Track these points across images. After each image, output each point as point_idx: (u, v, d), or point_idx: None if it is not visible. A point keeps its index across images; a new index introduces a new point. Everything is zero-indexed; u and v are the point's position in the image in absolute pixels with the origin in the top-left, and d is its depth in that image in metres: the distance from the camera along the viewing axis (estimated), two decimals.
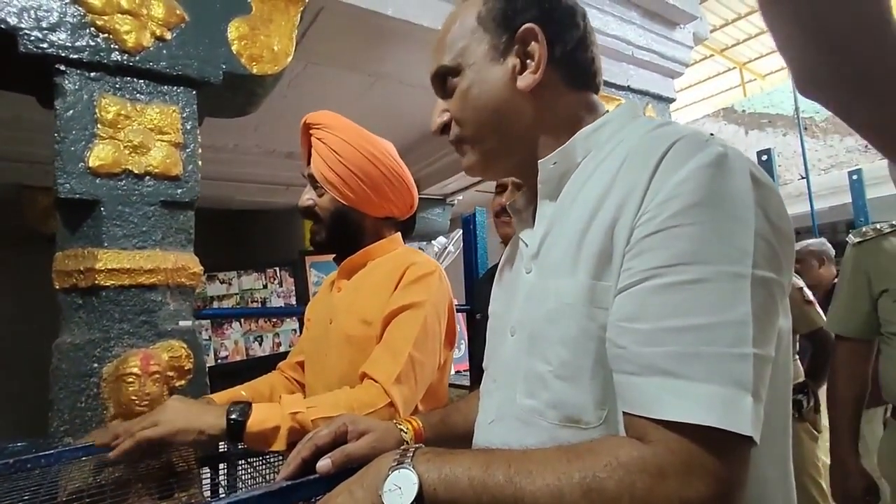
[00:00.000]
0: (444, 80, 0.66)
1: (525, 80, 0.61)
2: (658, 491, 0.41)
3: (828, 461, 2.18)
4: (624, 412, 0.47)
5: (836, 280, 2.67)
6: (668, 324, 0.44)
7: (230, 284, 3.89)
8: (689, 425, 0.41)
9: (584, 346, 0.51)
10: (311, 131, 1.08)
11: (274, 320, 3.85)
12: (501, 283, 0.75)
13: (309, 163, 1.10)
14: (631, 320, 0.47)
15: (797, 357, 2.27)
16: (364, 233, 1.10)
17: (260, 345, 3.84)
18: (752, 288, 0.43)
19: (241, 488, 1.00)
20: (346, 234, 1.09)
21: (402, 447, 0.53)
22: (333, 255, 1.13)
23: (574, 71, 0.64)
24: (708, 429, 0.40)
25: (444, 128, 0.67)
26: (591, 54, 0.65)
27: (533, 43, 0.61)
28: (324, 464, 0.60)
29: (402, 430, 0.77)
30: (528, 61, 0.61)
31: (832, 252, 2.80)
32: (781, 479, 0.53)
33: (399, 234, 1.16)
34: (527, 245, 0.65)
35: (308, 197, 1.10)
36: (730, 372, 0.42)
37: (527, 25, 0.60)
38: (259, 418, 0.79)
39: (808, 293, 2.23)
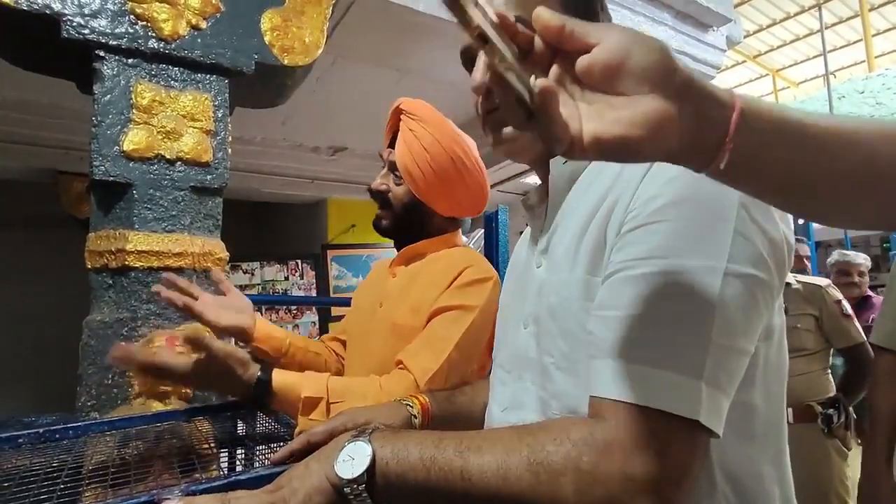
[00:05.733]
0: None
1: None
2: (603, 466, 0.41)
3: (856, 479, 2.12)
4: (589, 395, 0.48)
5: (862, 294, 2.62)
6: (631, 311, 0.45)
7: (252, 275, 3.97)
8: (639, 406, 0.42)
9: (580, 339, 0.52)
10: (402, 117, 1.06)
11: (294, 312, 3.89)
12: (514, 275, 0.76)
13: (391, 145, 1.08)
14: (601, 308, 0.49)
15: (829, 371, 2.20)
16: (428, 228, 1.10)
17: None
18: (724, 282, 0.44)
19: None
20: (410, 226, 1.09)
21: (362, 426, 0.53)
22: (394, 242, 1.14)
23: None
24: (656, 411, 0.42)
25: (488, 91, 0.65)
26: None
27: None
28: None
29: (408, 405, 0.78)
30: None
31: (868, 265, 2.78)
32: (779, 477, 0.53)
33: (459, 231, 1.16)
34: (538, 240, 0.66)
35: (383, 181, 1.08)
36: (683, 359, 0.42)
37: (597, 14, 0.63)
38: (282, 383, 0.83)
39: (847, 307, 2.15)
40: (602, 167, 0.58)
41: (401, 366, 0.91)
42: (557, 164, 0.63)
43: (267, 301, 3.83)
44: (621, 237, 0.49)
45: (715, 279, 0.44)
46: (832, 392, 2.14)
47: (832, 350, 2.19)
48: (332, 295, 4.16)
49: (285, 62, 1.43)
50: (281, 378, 0.83)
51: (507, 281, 0.78)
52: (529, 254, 0.69)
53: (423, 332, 0.95)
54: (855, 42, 9.27)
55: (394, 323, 1.00)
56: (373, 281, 1.21)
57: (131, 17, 1.23)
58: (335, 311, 3.97)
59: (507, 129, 0.63)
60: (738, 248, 0.45)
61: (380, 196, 1.07)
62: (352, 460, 0.48)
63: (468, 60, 0.65)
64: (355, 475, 0.47)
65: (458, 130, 1.07)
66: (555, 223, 0.62)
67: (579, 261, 0.54)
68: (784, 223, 0.50)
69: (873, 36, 8.54)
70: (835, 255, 2.92)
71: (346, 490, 0.47)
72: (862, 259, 2.83)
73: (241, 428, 1.02)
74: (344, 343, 1.19)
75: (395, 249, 1.15)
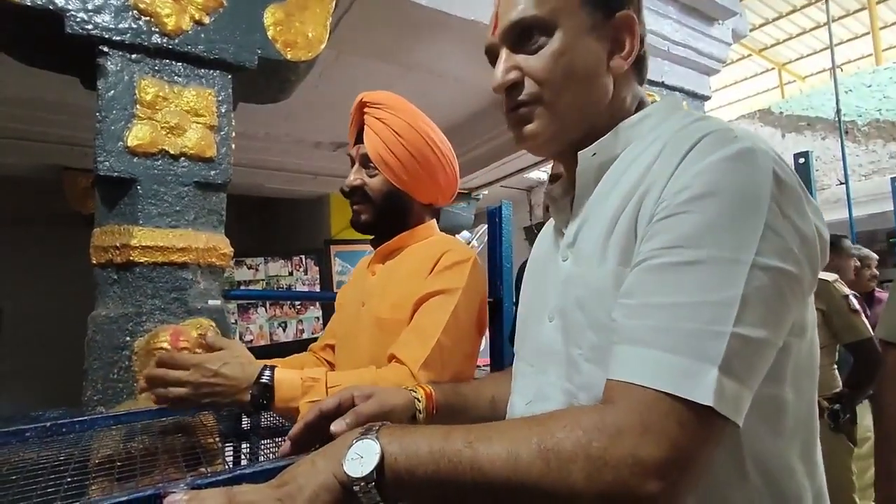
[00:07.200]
0: (526, 32, 0.61)
1: (618, 63, 0.61)
2: (613, 450, 0.41)
3: (860, 474, 2.11)
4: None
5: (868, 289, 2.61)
6: (654, 299, 0.46)
7: (257, 270, 3.98)
8: (652, 390, 0.43)
9: (610, 331, 0.52)
10: (366, 110, 1.05)
11: (298, 307, 3.90)
12: (535, 269, 0.75)
13: (358, 142, 1.07)
14: (625, 296, 0.49)
15: (835, 367, 2.19)
16: (410, 217, 1.09)
17: (284, 331, 3.92)
18: (750, 274, 0.44)
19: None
20: (393, 216, 1.08)
21: (368, 424, 0.53)
22: (370, 239, 1.12)
23: (641, 65, 0.66)
24: (668, 395, 0.42)
25: (511, 87, 0.62)
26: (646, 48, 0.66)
27: (627, 31, 0.61)
28: (338, 426, 0.61)
29: (411, 390, 0.78)
30: (619, 47, 0.61)
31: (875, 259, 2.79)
32: (810, 472, 0.53)
33: (435, 221, 1.15)
34: (563, 234, 0.65)
35: (356, 177, 1.06)
36: (699, 346, 0.43)
37: (626, 12, 0.61)
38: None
39: (855, 302, 2.14)
40: (633, 157, 0.58)
41: (394, 360, 0.92)
42: (586, 157, 0.62)
43: (271, 297, 3.84)
44: (650, 227, 0.49)
45: (740, 271, 0.44)
46: (839, 387, 2.13)
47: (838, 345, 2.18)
48: (335, 290, 4.17)
49: (288, 57, 1.43)
50: (281, 372, 0.84)
51: (528, 275, 0.77)
52: (553, 247, 0.68)
53: (411, 323, 0.95)
54: (862, 35, 9.18)
55: (378, 318, 1.00)
56: (354, 282, 1.20)
57: (134, 12, 1.23)
58: None
59: (530, 126, 0.63)
60: (768, 242, 0.45)
61: (357, 192, 1.05)
62: (360, 458, 0.48)
63: (493, 58, 0.64)
64: (364, 473, 0.46)
65: (426, 117, 1.07)
66: (583, 216, 0.62)
67: (610, 253, 0.54)
68: (818, 219, 0.50)
69: (881, 29, 8.45)
70: (852, 250, 2.91)
71: (356, 488, 0.47)
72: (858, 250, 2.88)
73: (245, 422, 1.02)
74: (333, 348, 1.18)
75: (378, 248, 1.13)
